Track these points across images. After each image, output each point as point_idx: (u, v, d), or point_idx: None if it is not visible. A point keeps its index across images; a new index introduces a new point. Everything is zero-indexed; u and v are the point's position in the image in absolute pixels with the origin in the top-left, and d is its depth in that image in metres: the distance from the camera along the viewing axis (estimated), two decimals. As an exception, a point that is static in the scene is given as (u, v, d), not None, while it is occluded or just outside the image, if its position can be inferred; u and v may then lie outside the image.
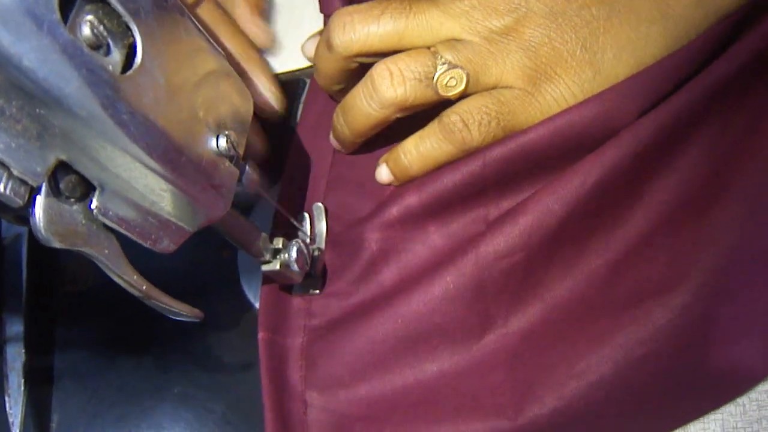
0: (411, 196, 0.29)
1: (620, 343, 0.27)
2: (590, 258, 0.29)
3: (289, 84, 0.36)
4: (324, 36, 0.29)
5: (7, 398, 0.32)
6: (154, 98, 0.21)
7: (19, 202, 0.18)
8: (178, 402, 0.33)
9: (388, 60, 0.28)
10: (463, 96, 0.28)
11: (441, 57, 0.27)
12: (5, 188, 0.17)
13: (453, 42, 0.27)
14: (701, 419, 0.29)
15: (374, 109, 0.28)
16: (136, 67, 0.20)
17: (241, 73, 0.31)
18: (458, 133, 0.28)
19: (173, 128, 0.22)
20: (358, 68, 0.29)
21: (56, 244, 0.19)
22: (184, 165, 0.22)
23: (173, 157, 0.22)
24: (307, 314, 0.31)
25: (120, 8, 0.20)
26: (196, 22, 0.24)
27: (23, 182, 0.18)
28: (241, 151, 0.26)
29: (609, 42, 0.26)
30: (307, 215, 0.33)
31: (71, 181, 0.19)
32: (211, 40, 0.25)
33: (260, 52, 0.34)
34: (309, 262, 0.30)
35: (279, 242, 0.29)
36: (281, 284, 0.32)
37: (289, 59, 0.36)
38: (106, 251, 0.21)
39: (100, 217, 0.20)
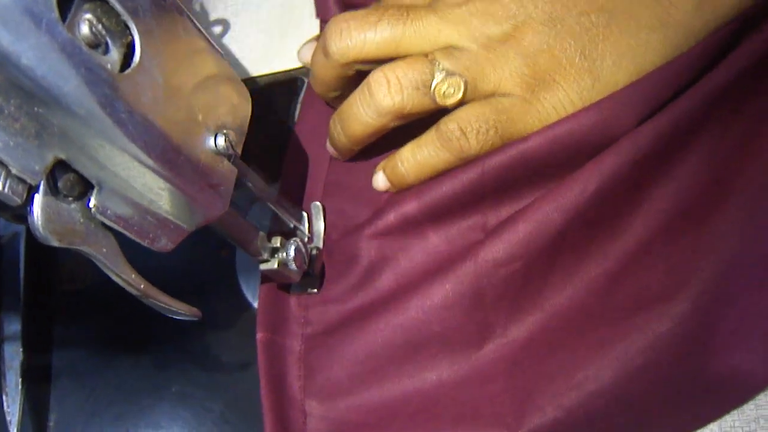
0: (409, 203, 0.29)
1: (620, 352, 0.27)
2: (589, 266, 0.28)
3: (288, 83, 0.36)
4: (320, 42, 0.29)
5: (4, 397, 0.32)
6: (153, 97, 0.21)
7: (18, 200, 0.18)
8: (176, 401, 0.33)
9: (386, 67, 0.27)
10: (460, 104, 0.28)
11: (439, 65, 0.27)
12: (3, 187, 0.17)
13: (451, 49, 0.27)
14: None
15: (371, 118, 0.28)
16: (134, 65, 0.20)
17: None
18: (456, 142, 0.27)
19: (171, 127, 0.22)
20: (355, 75, 0.29)
21: (54, 243, 0.19)
22: (182, 164, 0.22)
23: (171, 156, 0.22)
24: (304, 322, 0.31)
25: (118, 7, 0.20)
26: (196, 22, 0.24)
27: (21, 181, 0.18)
28: (239, 151, 0.26)
29: (608, 49, 0.26)
30: (305, 214, 0.33)
31: (69, 180, 0.19)
32: (211, 40, 0.25)
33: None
34: (307, 261, 0.30)
35: (277, 241, 0.29)
36: (279, 283, 0.32)
37: (288, 59, 0.36)
38: (105, 250, 0.21)
39: (99, 216, 0.20)
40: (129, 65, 0.20)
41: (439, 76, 0.27)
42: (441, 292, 0.28)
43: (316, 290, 0.32)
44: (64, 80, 0.18)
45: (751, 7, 0.27)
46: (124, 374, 0.34)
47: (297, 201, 0.34)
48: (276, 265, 0.29)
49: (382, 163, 0.31)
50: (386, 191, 0.31)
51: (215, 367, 0.33)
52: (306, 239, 0.32)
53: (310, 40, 0.35)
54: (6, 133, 0.17)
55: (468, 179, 0.28)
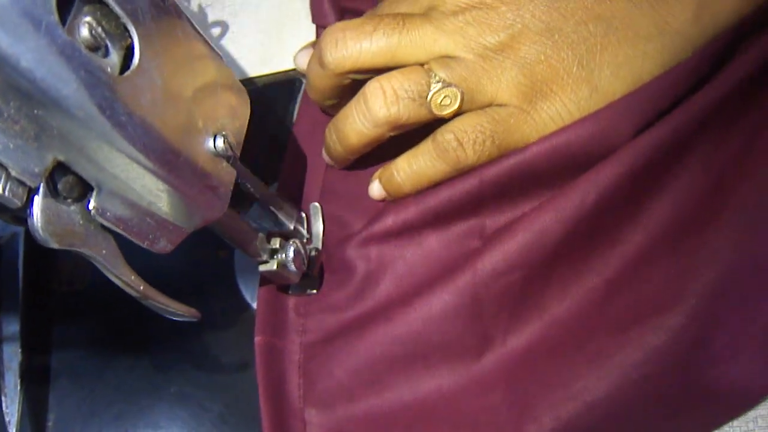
0: (408, 210, 0.29)
1: (617, 363, 0.27)
2: (588, 277, 0.28)
3: (286, 84, 0.36)
4: (316, 52, 0.29)
5: (3, 398, 0.32)
6: (152, 99, 0.21)
7: (17, 202, 0.18)
8: (175, 401, 0.33)
9: (382, 78, 0.27)
10: (457, 114, 0.27)
11: (435, 75, 0.26)
12: (3, 189, 0.17)
13: (447, 59, 0.27)
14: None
15: (367, 128, 0.28)
16: (133, 68, 0.20)
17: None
18: (452, 152, 0.27)
19: (170, 129, 0.22)
20: (351, 84, 0.29)
21: (54, 245, 0.19)
22: (181, 166, 0.23)
23: (170, 158, 0.22)
24: (303, 330, 0.31)
25: (118, 10, 0.20)
26: (195, 25, 0.24)
27: (21, 183, 0.18)
28: (238, 152, 0.26)
29: (606, 59, 0.26)
30: (304, 215, 0.33)
31: (69, 182, 0.19)
32: (209, 42, 0.25)
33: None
34: (306, 262, 0.30)
35: (276, 242, 0.29)
36: (278, 285, 0.32)
37: (287, 59, 0.37)
38: (104, 251, 0.21)
39: (98, 218, 0.20)
40: (128, 68, 0.20)
41: (435, 87, 0.27)
42: (440, 303, 0.28)
43: (315, 291, 0.32)
44: (64, 82, 0.18)
45: (750, 15, 0.27)
46: (123, 374, 0.34)
47: (295, 202, 0.34)
48: (275, 267, 0.29)
49: (378, 173, 0.31)
50: (383, 200, 0.31)
51: (214, 367, 0.34)
52: (305, 240, 0.32)
53: (305, 46, 0.34)
54: (5, 135, 0.17)
55: (466, 189, 0.28)
